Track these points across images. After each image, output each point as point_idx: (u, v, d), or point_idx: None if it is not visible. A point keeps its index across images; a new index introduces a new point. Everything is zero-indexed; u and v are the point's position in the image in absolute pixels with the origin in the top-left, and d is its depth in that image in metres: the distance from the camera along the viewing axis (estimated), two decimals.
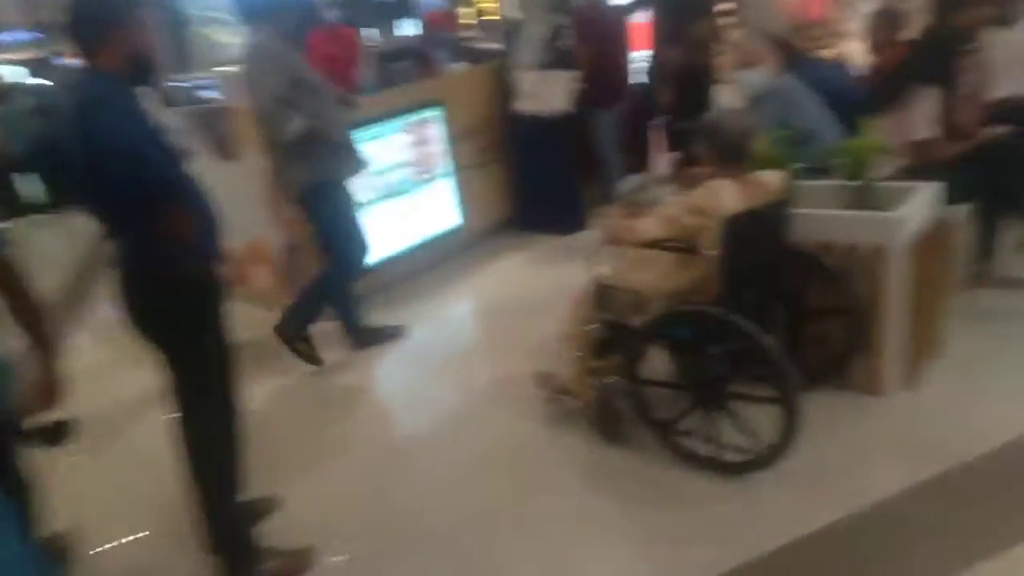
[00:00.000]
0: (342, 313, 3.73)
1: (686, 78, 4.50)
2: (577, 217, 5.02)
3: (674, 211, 2.40)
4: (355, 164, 3.47)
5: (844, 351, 2.63)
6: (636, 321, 2.48)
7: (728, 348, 2.26)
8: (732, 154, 2.39)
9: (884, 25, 4.10)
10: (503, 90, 4.88)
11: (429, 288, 4.26)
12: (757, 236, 2.33)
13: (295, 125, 3.11)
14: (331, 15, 5.25)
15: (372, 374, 3.60)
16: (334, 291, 3.61)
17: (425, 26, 6.50)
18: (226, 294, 2.20)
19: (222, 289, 2.18)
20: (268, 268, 4.20)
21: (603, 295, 2.59)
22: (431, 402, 3.27)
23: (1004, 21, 3.81)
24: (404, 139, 4.38)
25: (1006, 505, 2.11)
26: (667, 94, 4.62)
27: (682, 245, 2.39)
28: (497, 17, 8.15)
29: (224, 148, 4.05)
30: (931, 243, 2.66)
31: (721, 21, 5.32)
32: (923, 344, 2.72)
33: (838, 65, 4.27)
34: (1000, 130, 3.20)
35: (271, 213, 4.05)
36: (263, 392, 3.39)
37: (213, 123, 4.08)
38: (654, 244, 2.43)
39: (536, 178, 4.97)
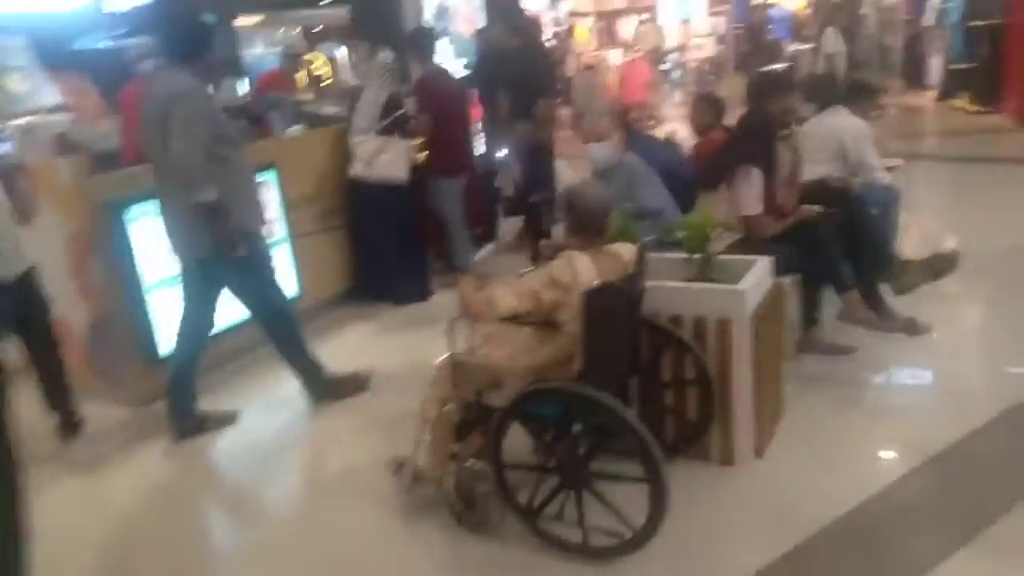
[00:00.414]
0: (174, 390, 3.31)
1: (533, 153, 4.60)
2: (422, 286, 4.90)
3: (532, 285, 2.33)
4: (262, 214, 3.36)
5: (698, 422, 2.66)
6: (496, 400, 2.35)
7: (593, 426, 2.19)
8: (591, 227, 2.38)
9: (705, 110, 4.44)
10: (344, 156, 4.72)
11: (263, 366, 3.88)
12: (616, 309, 2.31)
13: (208, 194, 2.89)
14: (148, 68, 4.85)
15: (197, 470, 3.18)
16: (293, 333, 3.46)
17: (256, 86, 6.21)
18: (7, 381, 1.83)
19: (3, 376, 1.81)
20: (70, 346, 3.68)
21: (460, 373, 2.45)
22: (266, 499, 2.93)
23: (814, 110, 4.25)
24: None
25: (860, 571, 2.17)
26: (518, 167, 4.69)
27: (542, 320, 2.32)
28: (330, 81, 8.03)
29: (20, 209, 3.54)
30: (767, 313, 2.79)
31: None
32: (768, 411, 2.82)
33: (670, 143, 4.54)
34: (813, 209, 3.49)
35: (76, 283, 3.57)
36: (60, 497, 2.88)
37: (7, 180, 3.56)
38: (513, 319, 2.34)
39: (379, 246, 4.81)
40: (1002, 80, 8.84)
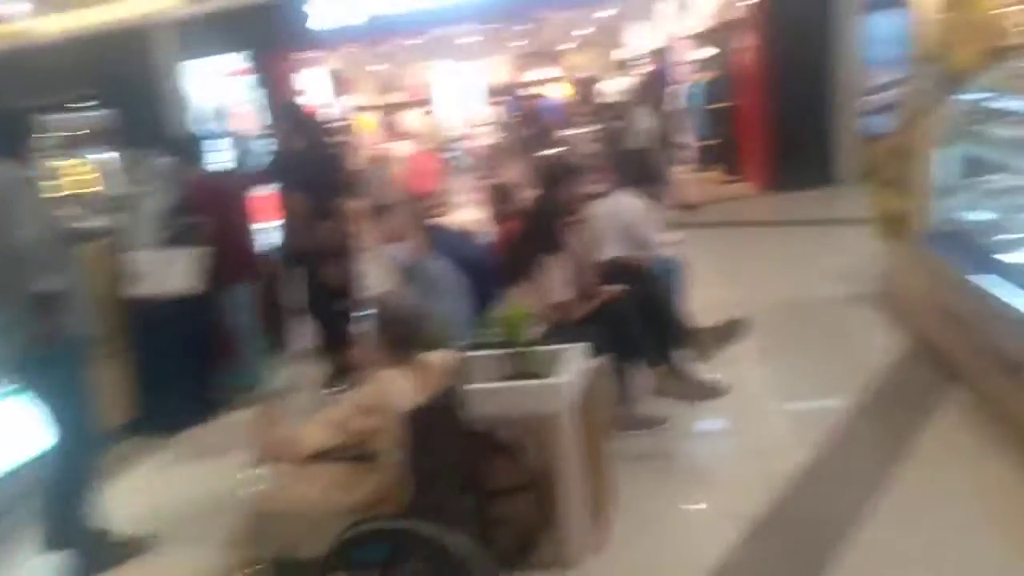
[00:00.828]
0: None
1: (335, 257, 4.38)
2: (212, 406, 4.49)
3: (339, 416, 2.11)
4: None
5: (532, 528, 2.53)
6: (312, 550, 2.06)
7: (428, 563, 1.98)
8: (403, 342, 2.21)
9: (501, 199, 4.52)
10: (118, 273, 4.23)
11: (24, 532, 3.19)
12: (439, 426, 2.15)
13: (53, 282, 2.68)
14: None
15: None
16: (88, 475, 2.98)
17: None
18: None
19: None
20: None
21: (264, 526, 2.13)
22: None
23: (600, 193, 4.46)
24: None
25: None
26: (334, 272, 4.41)
27: (357, 453, 2.10)
28: (94, 190, 7.32)
29: None
30: (589, 400, 2.77)
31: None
32: (601, 503, 2.76)
33: (468, 234, 4.53)
34: (615, 288, 3.61)
35: None
36: None
37: None
38: (323, 456, 2.09)
39: (164, 368, 4.34)
40: (741, 153, 10.10)
